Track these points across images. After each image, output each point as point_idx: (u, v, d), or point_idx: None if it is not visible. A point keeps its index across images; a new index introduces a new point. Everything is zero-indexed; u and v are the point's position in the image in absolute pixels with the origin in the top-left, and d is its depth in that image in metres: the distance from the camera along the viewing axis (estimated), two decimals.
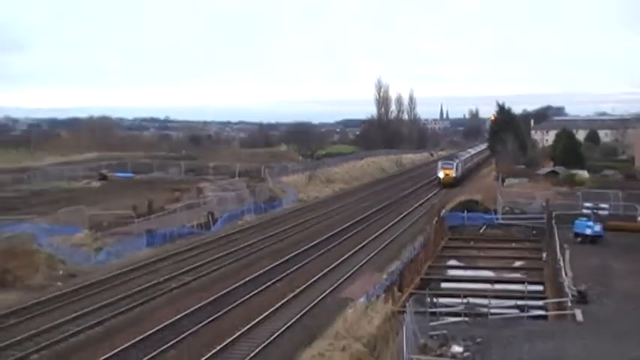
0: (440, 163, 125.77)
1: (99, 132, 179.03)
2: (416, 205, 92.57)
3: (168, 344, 35.64)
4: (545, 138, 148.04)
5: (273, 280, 49.54)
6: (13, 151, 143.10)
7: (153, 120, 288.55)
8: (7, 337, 37.11)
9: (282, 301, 43.72)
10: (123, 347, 34.92)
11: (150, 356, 34.03)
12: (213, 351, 34.28)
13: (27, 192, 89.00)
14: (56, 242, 56.73)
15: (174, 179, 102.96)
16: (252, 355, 34.05)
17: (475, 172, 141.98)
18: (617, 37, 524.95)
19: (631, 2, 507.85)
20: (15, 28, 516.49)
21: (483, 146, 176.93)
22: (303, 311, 41.81)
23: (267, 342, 36.04)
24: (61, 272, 52.00)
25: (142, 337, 36.53)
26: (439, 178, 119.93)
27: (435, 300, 38.85)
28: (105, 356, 33.80)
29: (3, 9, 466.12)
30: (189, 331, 37.78)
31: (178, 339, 36.54)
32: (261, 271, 51.56)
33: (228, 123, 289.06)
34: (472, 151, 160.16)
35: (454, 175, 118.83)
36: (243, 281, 48.81)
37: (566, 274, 41.60)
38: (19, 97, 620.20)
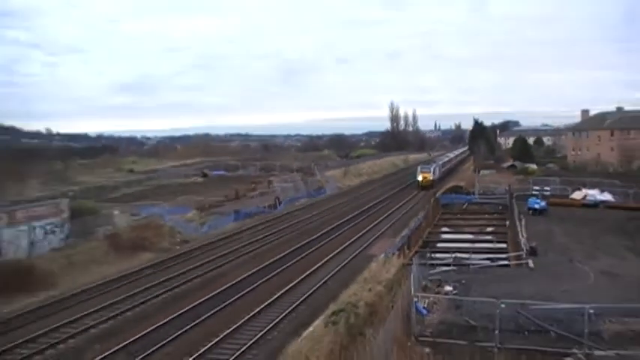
0: (419, 167, 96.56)
1: (201, 144, 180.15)
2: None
3: (252, 286, 35.93)
4: (507, 142, 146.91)
5: (322, 243, 49.43)
6: (146, 159, 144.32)
7: (238, 135, 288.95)
8: (153, 280, 38.38)
9: (329, 256, 43.71)
10: (221, 289, 35.25)
11: (241, 294, 34.39)
12: (282, 291, 34.41)
13: (156, 185, 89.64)
14: (175, 219, 57.04)
15: (251, 175, 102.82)
16: (309, 293, 34.20)
17: (455, 171, 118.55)
18: (553, 72, 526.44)
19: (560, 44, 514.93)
20: (148, 78, 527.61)
21: (464, 149, 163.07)
22: (343, 263, 41.82)
23: (319, 284, 36.22)
24: (178, 239, 52.35)
25: (233, 282, 36.80)
26: (418, 181, 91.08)
27: (432, 255, 38.78)
28: (212, 293, 34.38)
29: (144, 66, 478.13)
30: (264, 279, 37.97)
31: (259, 283, 36.83)
32: (313, 237, 51.39)
33: (289, 136, 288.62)
34: (451, 155, 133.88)
35: (432, 177, 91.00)
36: (301, 244, 48.79)
37: (522, 235, 41.61)
38: (150, 123, 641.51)
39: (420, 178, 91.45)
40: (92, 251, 44.38)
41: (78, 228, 47.10)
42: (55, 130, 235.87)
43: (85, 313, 31.13)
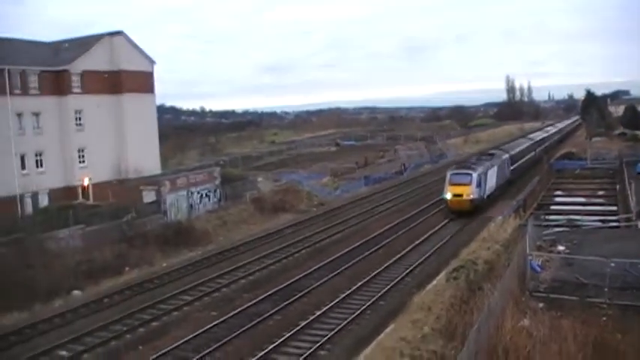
0: (449, 174, 46.09)
1: (334, 117, 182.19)
2: None
3: (384, 243, 36.42)
4: (617, 110, 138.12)
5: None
6: (286, 131, 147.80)
7: (366, 108, 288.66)
8: (294, 237, 39.78)
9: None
10: (355, 245, 35.96)
11: (374, 248, 35.10)
12: (410, 247, 34.78)
13: (294, 155, 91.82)
14: (312, 184, 58.46)
15: (379, 144, 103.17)
16: (434, 249, 34.42)
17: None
18: None
19: None
20: (287, 59, 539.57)
21: (569, 121, 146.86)
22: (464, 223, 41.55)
23: (444, 241, 36.36)
24: (315, 202, 53.52)
25: (365, 240, 37.38)
26: (446, 202, 45.15)
27: (546, 217, 37.88)
28: (348, 248, 35.26)
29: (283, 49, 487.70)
30: (394, 236, 38.38)
31: (390, 239, 37.36)
32: (436, 200, 50.31)
33: (412, 108, 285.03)
34: (537, 136, 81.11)
35: (472, 196, 43.44)
36: (425, 206, 48.67)
37: (631, 198, 39.95)
38: (289, 99, 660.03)
39: (448, 195, 44.41)
40: (241, 213, 46.54)
41: (228, 192, 49.46)
42: (207, 108, 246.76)
43: (236, 266, 32.77)
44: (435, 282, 26.88)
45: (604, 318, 19.49)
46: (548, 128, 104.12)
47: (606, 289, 21.53)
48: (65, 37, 58.50)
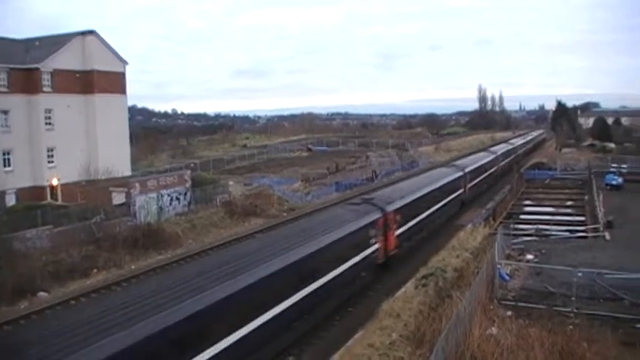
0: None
1: (306, 122, 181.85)
2: None
3: None
4: (587, 122, 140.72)
5: None
6: (258, 136, 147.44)
7: (339, 114, 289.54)
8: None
9: None
10: None
11: None
12: None
13: (266, 159, 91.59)
14: (283, 189, 58.14)
15: (351, 150, 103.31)
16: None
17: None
18: (634, 56, 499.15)
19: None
20: (261, 64, 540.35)
21: (536, 133, 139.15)
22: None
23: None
24: (286, 207, 53.16)
25: None
26: None
27: (515, 226, 38.22)
28: None
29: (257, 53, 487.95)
30: None
31: None
32: None
33: (384, 115, 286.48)
34: (500, 149, 75.94)
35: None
36: None
37: (599, 209, 40.65)
38: (261, 103, 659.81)
39: None
40: (211, 216, 46.05)
41: (199, 196, 48.94)
42: (180, 110, 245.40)
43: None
44: (403, 289, 26.88)
45: (571, 327, 19.67)
46: (513, 140, 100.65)
47: (574, 299, 21.79)
48: (36, 35, 57.77)
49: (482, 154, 68.61)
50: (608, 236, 33.85)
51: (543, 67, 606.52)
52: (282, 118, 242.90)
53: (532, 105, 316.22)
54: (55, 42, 54.14)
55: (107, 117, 55.17)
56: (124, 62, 58.33)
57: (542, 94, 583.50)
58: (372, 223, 28.59)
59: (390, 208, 31.27)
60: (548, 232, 36.58)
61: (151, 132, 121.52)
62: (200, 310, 16.15)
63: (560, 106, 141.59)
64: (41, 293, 28.92)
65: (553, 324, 19.58)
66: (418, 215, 36.39)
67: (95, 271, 32.70)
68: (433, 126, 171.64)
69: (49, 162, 50.82)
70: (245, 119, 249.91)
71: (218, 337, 16.93)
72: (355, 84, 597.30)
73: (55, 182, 50.35)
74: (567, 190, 58.06)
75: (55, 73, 51.37)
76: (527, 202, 52.69)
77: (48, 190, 50.15)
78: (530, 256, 29.04)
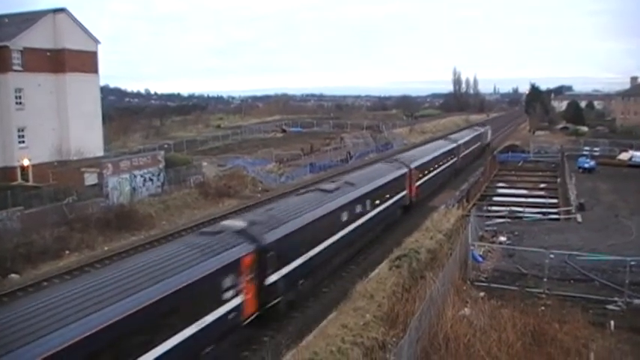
0: None
1: (281, 103, 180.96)
2: None
3: None
4: (560, 105, 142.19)
5: None
6: (232, 116, 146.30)
7: (313, 95, 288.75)
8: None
9: None
10: None
11: None
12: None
13: (240, 140, 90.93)
14: (257, 170, 57.81)
15: (325, 132, 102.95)
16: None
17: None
18: (606, 40, 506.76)
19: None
20: (236, 44, 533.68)
21: (482, 129, 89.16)
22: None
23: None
24: (260, 188, 53.10)
25: None
26: None
27: (489, 208, 38.52)
28: None
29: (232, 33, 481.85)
30: None
31: None
32: None
33: (359, 96, 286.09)
34: (461, 137, 66.09)
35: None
36: None
37: (572, 192, 41.17)
38: (235, 83, 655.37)
39: None
40: (184, 197, 45.70)
41: (172, 177, 48.52)
42: (153, 90, 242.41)
43: None
44: (377, 270, 26.92)
45: (543, 308, 19.92)
46: (478, 127, 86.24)
47: (545, 280, 22.05)
48: (5, 12, 56.32)
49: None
50: (580, 218, 34.28)
51: (517, 48, 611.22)
52: (256, 98, 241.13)
53: (506, 88, 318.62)
54: (25, 19, 52.83)
55: (79, 97, 54.18)
56: (97, 41, 57.20)
57: (517, 78, 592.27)
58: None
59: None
60: (521, 214, 36.93)
61: (124, 112, 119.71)
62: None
63: (534, 89, 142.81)
64: (12, 275, 28.49)
65: (525, 305, 19.80)
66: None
67: (67, 252, 32.33)
68: (408, 108, 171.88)
69: (19, 142, 49.83)
70: (219, 100, 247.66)
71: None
72: (330, 65, 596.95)
73: (26, 163, 49.46)
74: (540, 173, 58.78)
75: (26, 52, 50.18)
76: (501, 185, 53.21)
77: (19, 171, 49.27)
78: (503, 238, 29.28)
